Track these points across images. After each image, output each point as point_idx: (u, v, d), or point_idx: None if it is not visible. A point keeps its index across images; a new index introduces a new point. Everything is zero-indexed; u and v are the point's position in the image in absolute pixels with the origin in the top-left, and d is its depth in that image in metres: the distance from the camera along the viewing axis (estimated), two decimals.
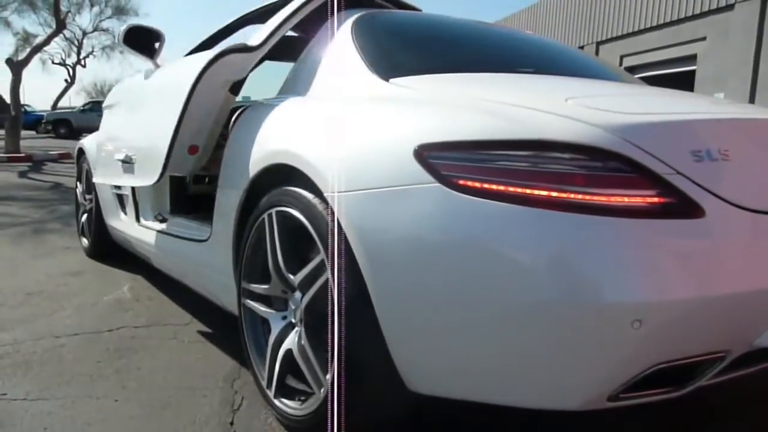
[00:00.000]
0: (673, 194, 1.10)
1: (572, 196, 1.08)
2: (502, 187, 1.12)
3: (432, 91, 1.56)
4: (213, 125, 2.16)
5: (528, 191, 1.11)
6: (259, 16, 2.60)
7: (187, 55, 2.74)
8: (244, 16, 2.69)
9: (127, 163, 2.42)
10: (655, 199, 1.09)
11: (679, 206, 1.10)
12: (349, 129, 1.48)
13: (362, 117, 1.49)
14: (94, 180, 3.05)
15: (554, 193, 1.09)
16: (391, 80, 1.66)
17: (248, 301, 1.77)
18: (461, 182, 1.16)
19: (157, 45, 2.59)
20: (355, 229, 1.32)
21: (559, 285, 1.07)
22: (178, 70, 2.27)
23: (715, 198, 1.13)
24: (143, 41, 2.59)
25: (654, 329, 1.05)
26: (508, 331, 1.13)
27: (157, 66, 2.62)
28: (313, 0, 2.13)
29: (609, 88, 1.76)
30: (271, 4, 2.45)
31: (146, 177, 2.26)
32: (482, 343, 1.17)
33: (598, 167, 1.10)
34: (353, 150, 1.39)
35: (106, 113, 3.11)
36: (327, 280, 1.41)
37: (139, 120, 2.45)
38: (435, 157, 1.21)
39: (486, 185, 1.14)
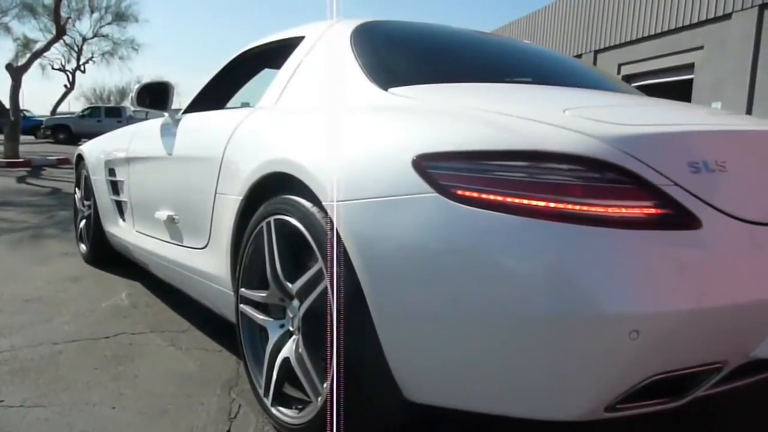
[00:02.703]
0: (671, 205, 1.11)
1: (570, 206, 1.09)
2: (500, 198, 1.13)
3: (430, 101, 1.57)
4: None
5: (526, 201, 1.11)
6: (270, 55, 2.57)
7: (197, 96, 2.78)
8: (250, 50, 2.63)
9: (172, 223, 2.44)
10: (653, 210, 1.10)
11: (677, 217, 1.11)
12: (347, 138, 1.48)
13: (361, 126, 1.50)
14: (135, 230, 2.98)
15: (552, 204, 1.10)
16: (390, 90, 1.66)
17: (246, 308, 1.76)
18: (459, 192, 1.17)
19: (168, 96, 2.68)
20: (353, 238, 1.32)
21: (557, 295, 1.07)
22: (205, 134, 2.29)
23: (712, 209, 1.13)
24: (154, 95, 2.68)
25: (651, 340, 1.06)
26: (506, 341, 1.13)
27: (173, 115, 2.67)
28: (322, 38, 2.10)
29: (606, 98, 1.77)
30: (279, 40, 2.41)
31: (195, 240, 2.25)
32: (479, 353, 1.18)
33: (595, 178, 1.11)
34: (352, 159, 1.40)
35: (129, 155, 3.01)
36: (325, 289, 1.41)
37: (175, 180, 2.45)
38: (433, 167, 1.21)
39: (484, 195, 1.14)
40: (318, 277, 1.46)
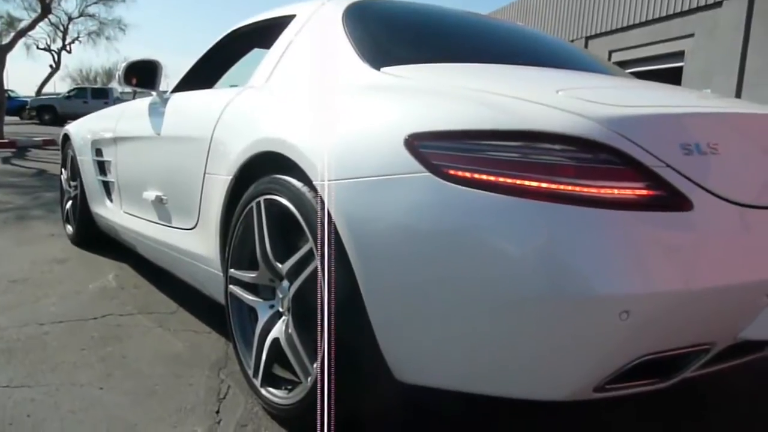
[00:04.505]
0: (662, 187, 1.10)
1: (562, 187, 1.09)
2: (492, 178, 1.12)
3: (423, 80, 1.56)
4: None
5: (518, 182, 1.11)
6: (260, 34, 2.54)
7: (186, 75, 2.76)
8: (240, 29, 2.59)
9: (160, 204, 2.41)
10: (644, 192, 1.10)
11: (668, 199, 1.11)
12: (339, 117, 1.47)
13: (353, 106, 1.48)
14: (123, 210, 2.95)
15: (544, 184, 1.09)
16: (382, 69, 1.65)
17: (235, 289, 1.75)
18: (451, 172, 1.16)
19: (156, 74, 2.64)
20: (344, 218, 1.31)
21: (548, 275, 1.07)
22: (194, 113, 2.27)
23: (703, 191, 1.13)
24: (142, 74, 2.64)
25: (641, 321, 1.06)
26: (496, 321, 1.13)
27: (161, 95, 2.63)
28: (314, 17, 2.06)
29: (599, 80, 1.77)
30: (269, 19, 2.38)
31: (184, 221, 2.22)
32: (470, 333, 1.18)
33: (588, 159, 1.10)
34: (343, 138, 1.38)
35: (116, 134, 2.97)
36: (315, 269, 1.40)
37: (163, 160, 2.42)
38: (425, 147, 1.20)
39: (476, 175, 1.14)
40: (308, 258, 1.45)
